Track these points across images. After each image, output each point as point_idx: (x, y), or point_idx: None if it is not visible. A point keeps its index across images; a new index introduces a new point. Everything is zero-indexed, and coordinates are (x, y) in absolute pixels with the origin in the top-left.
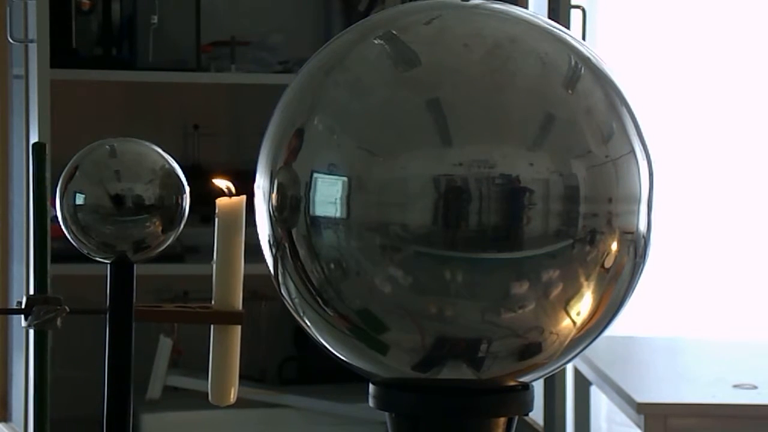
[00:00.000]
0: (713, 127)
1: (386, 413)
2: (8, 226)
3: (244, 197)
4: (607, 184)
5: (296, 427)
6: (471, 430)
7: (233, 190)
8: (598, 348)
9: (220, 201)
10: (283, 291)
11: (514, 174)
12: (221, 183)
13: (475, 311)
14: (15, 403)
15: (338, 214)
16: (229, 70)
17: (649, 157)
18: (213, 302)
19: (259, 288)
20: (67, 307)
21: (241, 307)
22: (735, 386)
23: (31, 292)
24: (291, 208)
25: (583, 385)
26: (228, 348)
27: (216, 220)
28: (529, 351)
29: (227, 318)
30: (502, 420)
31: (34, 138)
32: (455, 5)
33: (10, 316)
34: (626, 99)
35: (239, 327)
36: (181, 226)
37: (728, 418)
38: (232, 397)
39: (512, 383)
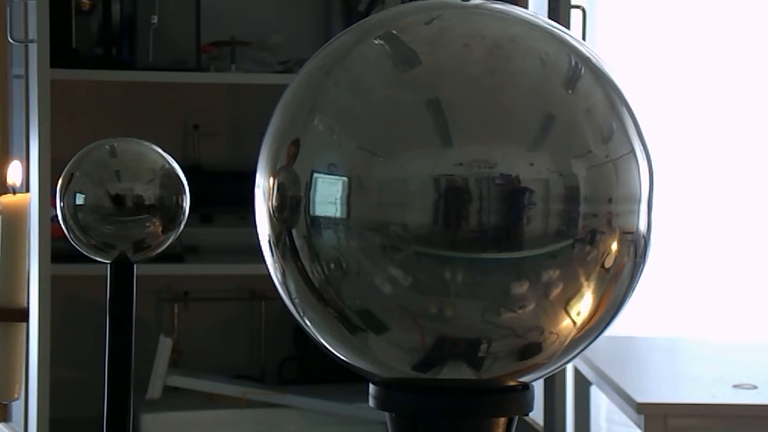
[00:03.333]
0: (713, 127)
1: (386, 413)
2: None
3: (29, 195)
4: (607, 184)
5: (296, 427)
6: (471, 430)
7: (17, 186)
8: (598, 348)
9: (4, 199)
10: (283, 291)
11: (514, 174)
12: (11, 176)
13: (475, 311)
14: (15, 403)
15: (338, 214)
16: (229, 70)
17: (649, 157)
18: None
19: (259, 288)
20: None
21: (25, 304)
22: (735, 386)
23: (32, 292)
24: (291, 208)
25: (583, 385)
26: (13, 345)
27: (0, 217)
28: (529, 351)
29: (11, 315)
30: (502, 420)
31: (34, 138)
32: (455, 5)
33: None
34: (626, 99)
35: (24, 324)
36: (181, 226)
37: (728, 418)
38: (17, 392)
39: (512, 383)
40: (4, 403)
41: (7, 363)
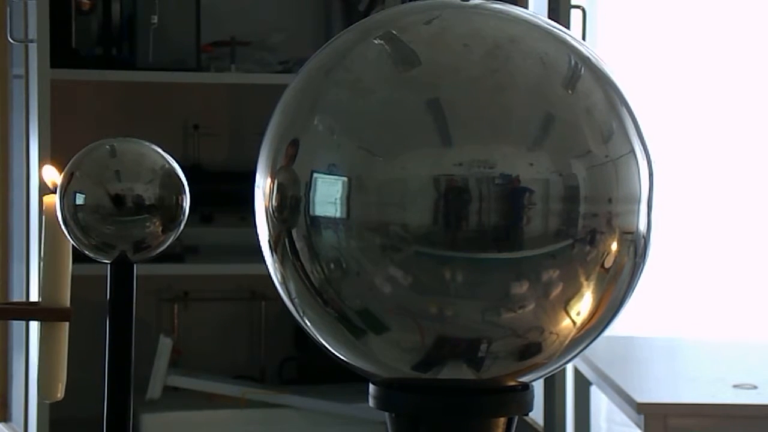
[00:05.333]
0: (713, 127)
1: (386, 413)
2: (8, 226)
3: None
4: (607, 184)
5: (296, 427)
6: (471, 430)
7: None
8: (598, 348)
9: (47, 199)
10: (283, 291)
11: (514, 174)
12: (48, 177)
13: (475, 311)
14: (15, 403)
15: (338, 214)
16: (229, 70)
17: (649, 157)
18: (40, 299)
19: (259, 288)
20: None
21: (68, 303)
22: (735, 386)
23: (32, 292)
24: (291, 208)
25: (583, 385)
26: (56, 344)
27: (44, 217)
28: (529, 351)
29: (54, 314)
30: (502, 420)
31: (34, 138)
32: (455, 5)
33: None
34: (626, 99)
35: (67, 324)
36: (181, 226)
37: (728, 418)
38: (60, 392)
39: (512, 383)
40: (48, 402)
41: (51, 362)
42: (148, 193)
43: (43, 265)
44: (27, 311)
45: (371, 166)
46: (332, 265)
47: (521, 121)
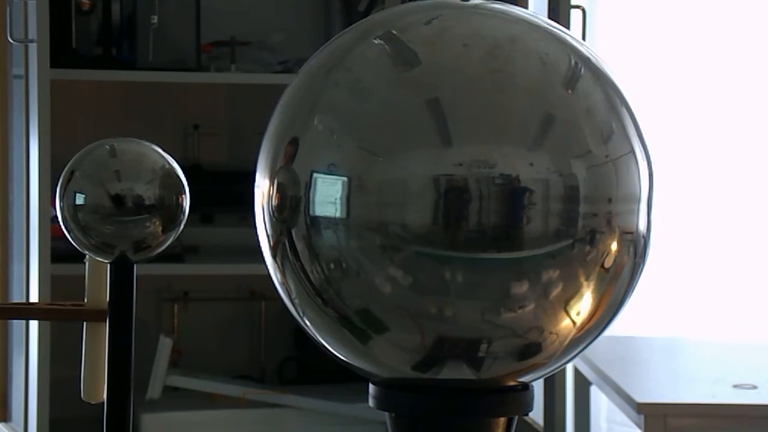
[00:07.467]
0: (713, 127)
1: (386, 413)
2: (8, 226)
3: None
4: (607, 184)
5: (296, 427)
6: (471, 430)
7: None
8: (598, 348)
9: None
10: (282, 291)
11: (514, 174)
12: None
13: (475, 311)
14: (15, 403)
15: (338, 214)
16: (229, 70)
17: (649, 157)
18: (86, 300)
19: (259, 288)
20: None
21: (106, 304)
22: (735, 386)
23: (32, 292)
24: (291, 208)
25: (583, 385)
26: (99, 345)
27: None
28: (529, 351)
29: (101, 315)
30: (502, 420)
31: (34, 138)
32: (455, 5)
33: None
34: (626, 99)
35: (104, 324)
36: (181, 226)
37: (728, 418)
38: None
39: (512, 383)
40: (94, 403)
41: (94, 364)
42: (148, 193)
43: (89, 265)
44: (72, 312)
45: (371, 166)
46: (332, 265)
47: (521, 121)
